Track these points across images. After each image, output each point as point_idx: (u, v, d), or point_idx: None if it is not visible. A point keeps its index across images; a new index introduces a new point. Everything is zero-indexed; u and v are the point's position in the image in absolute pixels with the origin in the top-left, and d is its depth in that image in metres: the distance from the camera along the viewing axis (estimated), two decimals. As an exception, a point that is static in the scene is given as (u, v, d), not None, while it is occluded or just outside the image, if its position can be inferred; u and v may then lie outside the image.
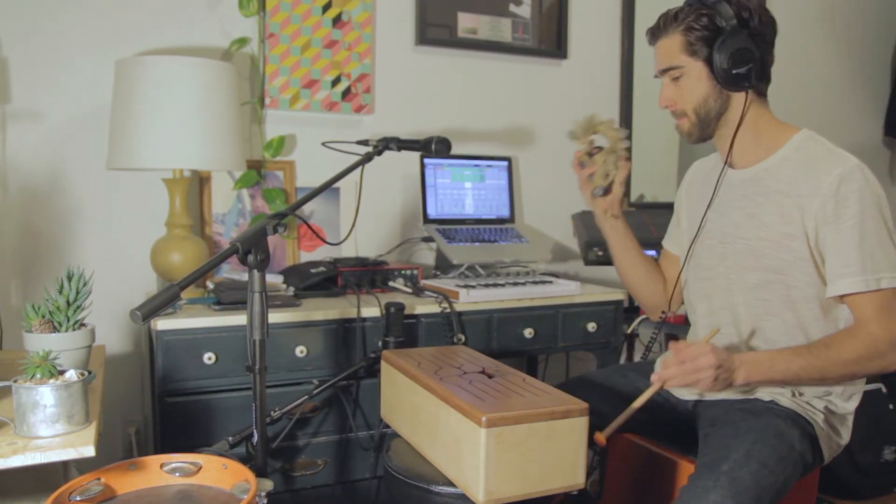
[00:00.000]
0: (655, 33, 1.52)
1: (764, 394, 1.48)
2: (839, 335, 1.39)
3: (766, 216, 1.46)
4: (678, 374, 1.37)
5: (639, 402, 1.44)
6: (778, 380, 1.40)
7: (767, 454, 1.31)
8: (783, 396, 1.46)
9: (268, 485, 1.17)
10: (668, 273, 1.76)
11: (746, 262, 1.49)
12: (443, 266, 2.33)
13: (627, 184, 2.81)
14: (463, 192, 2.36)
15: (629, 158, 1.63)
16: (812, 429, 1.44)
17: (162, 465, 1.19)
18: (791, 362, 1.37)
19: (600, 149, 1.61)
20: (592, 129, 1.62)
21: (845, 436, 1.51)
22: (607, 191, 1.62)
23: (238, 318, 1.74)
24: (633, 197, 2.86)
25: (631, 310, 2.47)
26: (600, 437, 1.40)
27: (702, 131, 1.51)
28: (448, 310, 1.94)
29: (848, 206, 1.36)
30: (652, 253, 2.32)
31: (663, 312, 1.73)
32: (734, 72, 1.42)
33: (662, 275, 1.76)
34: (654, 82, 1.58)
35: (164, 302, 1.08)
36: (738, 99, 1.48)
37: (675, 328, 1.75)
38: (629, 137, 2.78)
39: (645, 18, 2.76)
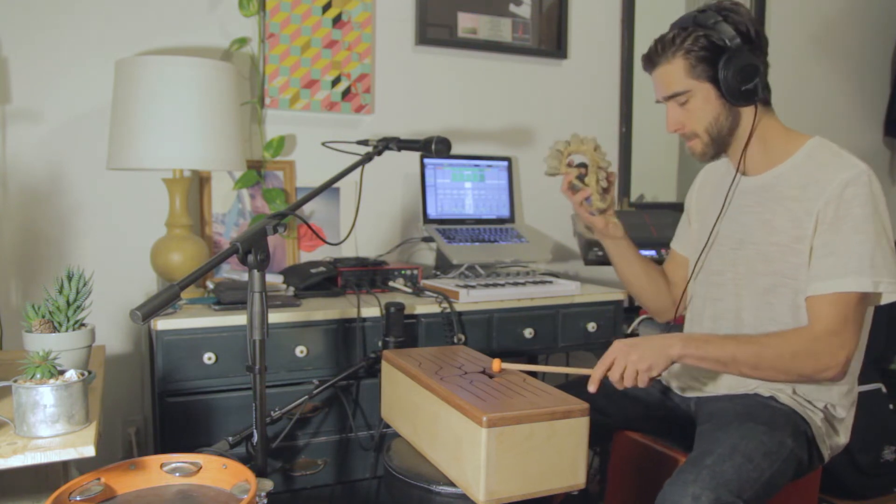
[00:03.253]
0: (653, 60, 1.50)
1: (764, 390, 1.48)
2: (784, 331, 1.41)
3: (777, 221, 1.47)
4: (601, 371, 1.39)
5: (566, 370, 1.51)
6: (713, 357, 1.38)
7: (754, 448, 1.31)
8: (783, 393, 1.47)
9: (268, 485, 1.17)
10: (673, 275, 1.76)
11: (757, 266, 1.49)
12: (443, 266, 2.33)
13: (627, 184, 2.83)
14: (463, 192, 2.36)
15: (612, 167, 1.63)
16: (809, 428, 1.44)
17: (162, 465, 1.19)
18: (727, 345, 1.37)
19: (584, 166, 1.60)
20: (565, 155, 1.61)
21: (844, 437, 1.51)
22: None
23: (238, 318, 1.74)
24: (633, 197, 2.86)
25: (631, 310, 2.47)
26: (497, 364, 1.48)
27: (716, 150, 1.51)
28: (448, 310, 1.94)
29: (851, 208, 1.36)
30: (651, 253, 2.33)
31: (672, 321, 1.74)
32: (743, 88, 1.42)
33: (665, 277, 1.76)
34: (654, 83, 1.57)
35: (164, 302, 1.08)
36: (747, 112, 1.49)
37: (680, 329, 1.75)
38: (629, 133, 2.80)
39: (645, 18, 2.76)
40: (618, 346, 1.39)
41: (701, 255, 1.62)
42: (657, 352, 1.36)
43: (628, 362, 1.36)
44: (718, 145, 1.51)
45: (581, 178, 1.60)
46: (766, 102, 1.51)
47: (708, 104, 1.46)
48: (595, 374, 1.39)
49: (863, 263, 1.35)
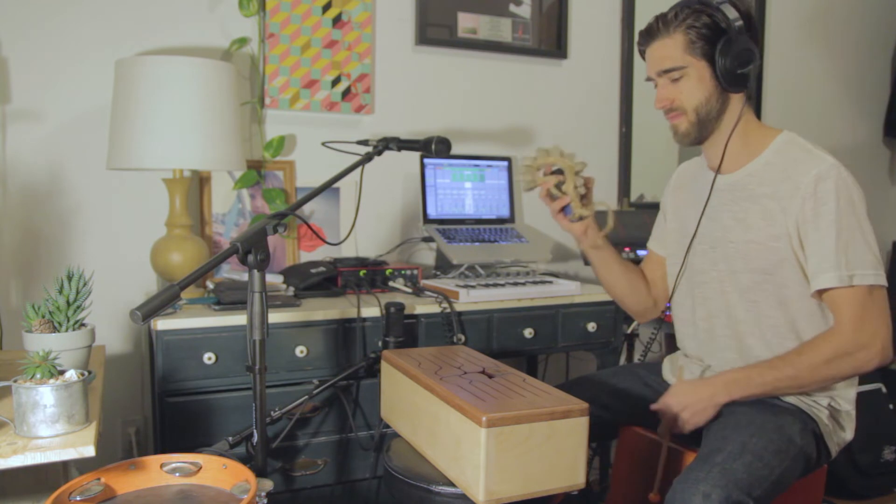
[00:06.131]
0: (651, 34, 1.50)
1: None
2: (813, 340, 1.42)
3: (752, 219, 1.48)
4: (667, 429, 1.51)
5: (663, 458, 1.52)
6: (759, 393, 1.44)
7: (763, 446, 1.32)
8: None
9: (268, 485, 1.17)
10: (652, 274, 1.77)
11: (737, 264, 1.51)
12: (443, 266, 2.33)
13: (627, 184, 2.82)
14: (463, 192, 2.36)
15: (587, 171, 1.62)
16: (816, 425, 1.45)
17: (162, 465, 1.19)
18: (766, 375, 1.41)
19: (561, 172, 1.59)
20: (536, 168, 1.60)
21: (850, 431, 1.53)
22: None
23: (238, 318, 1.74)
24: (633, 197, 2.86)
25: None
26: (655, 497, 1.48)
27: (700, 132, 1.51)
28: (448, 310, 1.94)
29: (825, 203, 1.38)
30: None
31: (662, 312, 1.75)
32: (738, 72, 1.43)
33: (645, 279, 1.76)
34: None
35: (164, 302, 1.08)
36: (736, 100, 1.50)
37: (673, 328, 1.76)
38: (629, 133, 2.79)
39: (645, 18, 2.74)
40: (673, 403, 1.49)
41: (685, 256, 1.62)
42: (708, 406, 1.45)
43: (684, 412, 1.47)
44: (703, 128, 1.50)
45: (559, 185, 1.59)
46: (750, 97, 1.52)
47: (701, 83, 1.47)
48: (663, 435, 1.52)
49: (839, 258, 1.37)
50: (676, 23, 1.46)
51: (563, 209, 1.60)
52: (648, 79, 1.54)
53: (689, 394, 1.47)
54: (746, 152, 1.51)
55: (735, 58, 1.42)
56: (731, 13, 1.42)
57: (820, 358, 1.38)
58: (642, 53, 1.56)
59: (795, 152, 1.46)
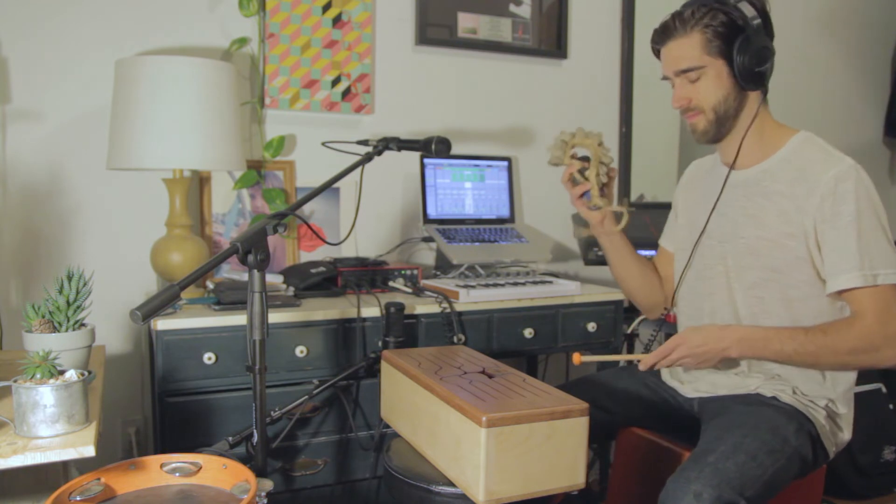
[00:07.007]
0: (668, 33, 1.49)
1: (766, 390, 1.49)
2: (837, 324, 1.41)
3: (765, 216, 1.47)
4: (659, 362, 1.48)
5: (624, 357, 1.58)
6: (770, 358, 1.44)
7: (757, 446, 1.32)
8: (784, 393, 1.48)
9: (268, 485, 1.17)
10: (663, 271, 1.77)
11: (745, 260, 1.50)
12: (443, 266, 2.33)
13: (627, 184, 2.82)
14: (463, 192, 2.36)
15: (614, 163, 1.63)
16: (812, 426, 1.44)
17: (162, 465, 1.19)
18: (785, 344, 1.40)
19: (587, 159, 1.60)
20: (569, 146, 1.61)
21: (847, 432, 1.52)
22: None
23: (238, 318, 1.74)
24: (634, 197, 2.86)
25: (631, 310, 2.47)
26: (578, 357, 1.46)
27: (718, 130, 1.51)
28: (448, 310, 1.94)
29: (845, 203, 1.38)
30: (651, 253, 2.33)
31: (665, 309, 1.74)
32: (756, 70, 1.43)
33: (658, 274, 1.77)
34: (654, 82, 1.57)
35: (164, 302, 1.08)
36: (753, 98, 1.50)
37: (675, 327, 1.76)
38: (629, 133, 2.79)
39: (645, 18, 2.76)
40: (683, 340, 1.45)
41: (693, 250, 1.62)
42: (715, 355, 1.44)
43: (686, 358, 1.44)
44: (721, 126, 1.50)
45: (582, 171, 1.60)
46: (765, 94, 1.52)
47: (719, 82, 1.46)
48: (649, 360, 1.47)
49: (862, 258, 1.36)
50: (693, 21, 1.45)
51: (583, 195, 1.62)
52: (664, 78, 1.53)
53: (702, 342, 1.44)
54: (762, 149, 1.51)
55: (753, 56, 1.42)
56: (748, 10, 1.42)
57: (845, 346, 1.37)
58: (656, 52, 1.55)
59: (813, 152, 1.46)
